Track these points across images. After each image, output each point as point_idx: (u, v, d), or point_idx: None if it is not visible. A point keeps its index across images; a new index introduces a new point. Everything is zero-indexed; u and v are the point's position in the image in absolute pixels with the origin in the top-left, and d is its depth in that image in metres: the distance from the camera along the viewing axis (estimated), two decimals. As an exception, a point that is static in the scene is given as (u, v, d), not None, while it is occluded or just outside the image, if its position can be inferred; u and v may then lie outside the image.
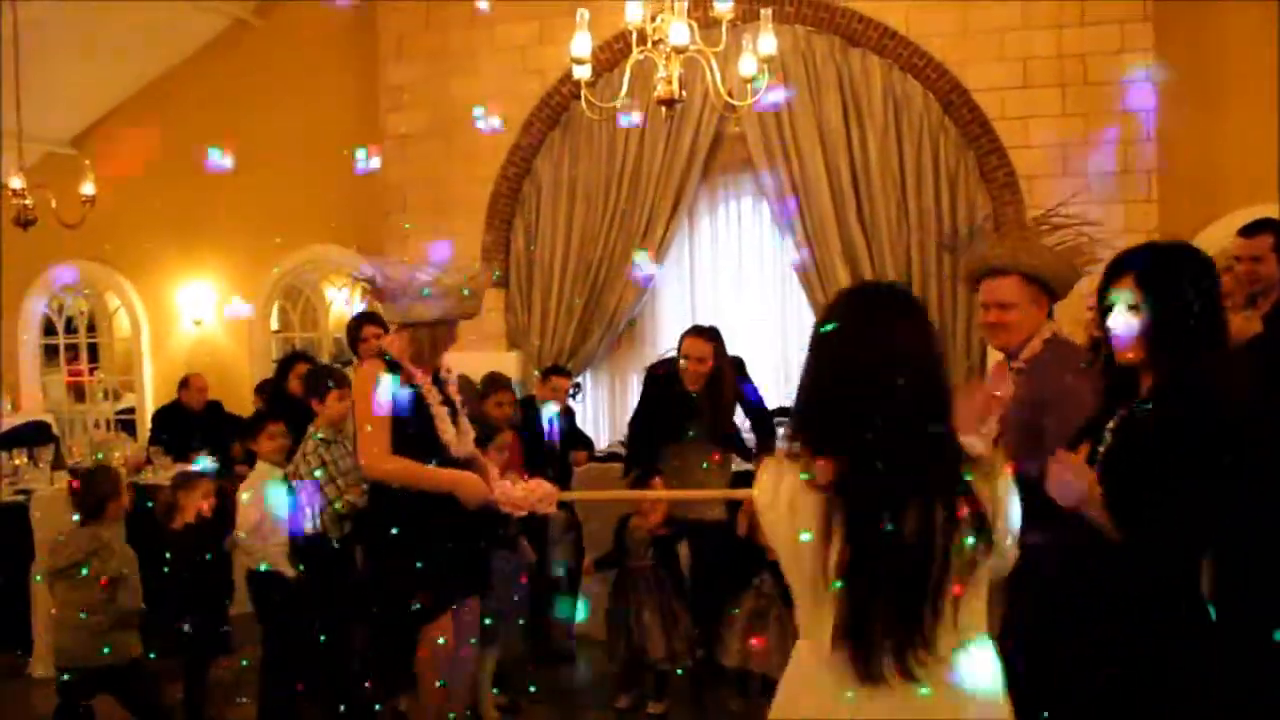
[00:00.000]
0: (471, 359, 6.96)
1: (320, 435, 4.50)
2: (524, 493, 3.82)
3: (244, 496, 4.60)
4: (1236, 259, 4.20)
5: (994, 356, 4.25)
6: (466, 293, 3.88)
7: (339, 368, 5.18)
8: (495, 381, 5.54)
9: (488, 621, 4.49)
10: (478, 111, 5.97)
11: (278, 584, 4.50)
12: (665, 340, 8.09)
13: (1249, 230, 4.19)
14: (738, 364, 5.38)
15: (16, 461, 6.77)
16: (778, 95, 5.81)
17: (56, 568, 4.25)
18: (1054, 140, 7.01)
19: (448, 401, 4.00)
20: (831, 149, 7.27)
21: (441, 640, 3.88)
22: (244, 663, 5.05)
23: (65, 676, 4.27)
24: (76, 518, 4.31)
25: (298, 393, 6.21)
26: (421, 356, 3.91)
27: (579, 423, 7.09)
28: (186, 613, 4.57)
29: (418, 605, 3.83)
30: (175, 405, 7.57)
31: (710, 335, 4.98)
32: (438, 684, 3.95)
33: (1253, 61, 6.86)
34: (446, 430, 3.92)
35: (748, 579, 4.76)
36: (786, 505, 1.88)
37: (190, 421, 7.32)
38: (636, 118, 6.50)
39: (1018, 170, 7.05)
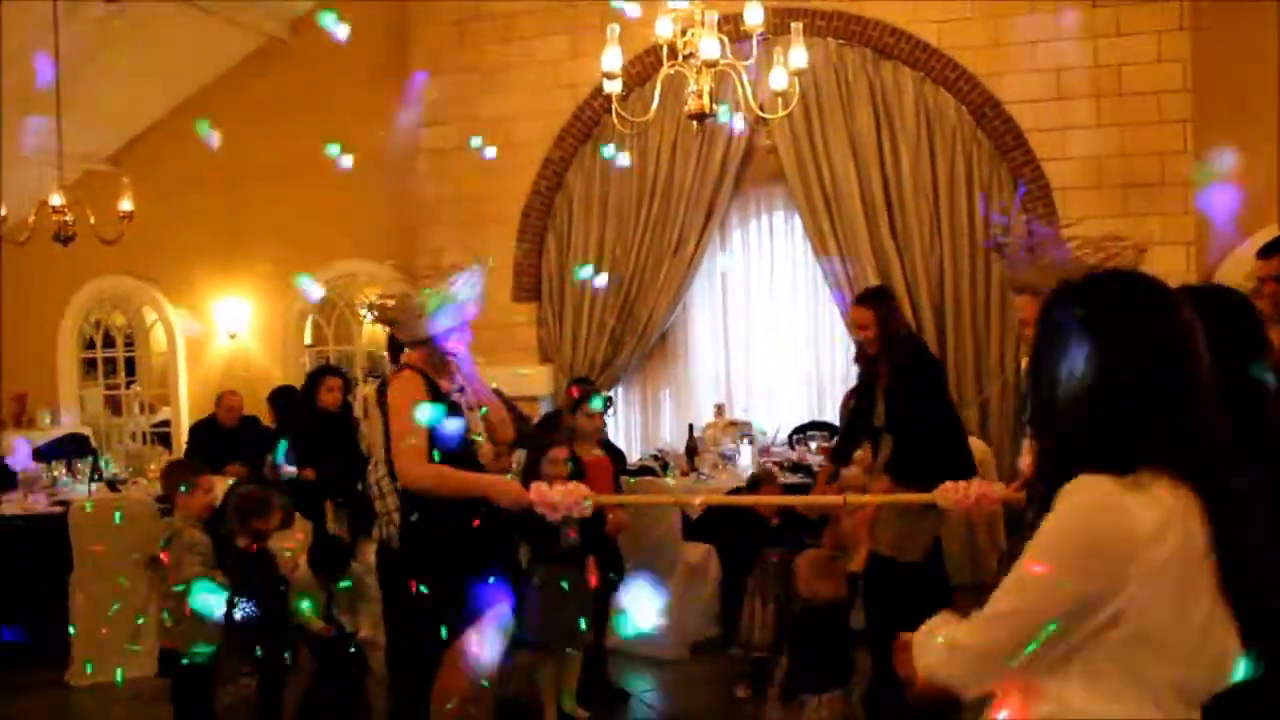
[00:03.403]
0: (503, 373, 6.99)
1: None
2: (560, 495, 3.80)
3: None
4: (1260, 280, 4.16)
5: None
6: (462, 298, 3.83)
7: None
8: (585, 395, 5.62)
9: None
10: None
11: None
12: (697, 353, 8.09)
13: (1266, 251, 4.13)
14: (934, 369, 4.64)
15: (55, 473, 6.86)
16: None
17: None
18: (1090, 152, 6.94)
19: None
20: (863, 161, 7.25)
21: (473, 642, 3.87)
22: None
23: None
24: None
25: (329, 405, 6.29)
26: (441, 367, 3.95)
27: (611, 435, 7.07)
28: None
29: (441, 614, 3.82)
30: (211, 420, 7.63)
31: (871, 300, 4.46)
32: (469, 684, 3.92)
33: (1291, 71, 6.78)
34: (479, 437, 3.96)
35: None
36: (1182, 537, 1.51)
37: (226, 437, 7.38)
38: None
39: (1052, 182, 6.99)
